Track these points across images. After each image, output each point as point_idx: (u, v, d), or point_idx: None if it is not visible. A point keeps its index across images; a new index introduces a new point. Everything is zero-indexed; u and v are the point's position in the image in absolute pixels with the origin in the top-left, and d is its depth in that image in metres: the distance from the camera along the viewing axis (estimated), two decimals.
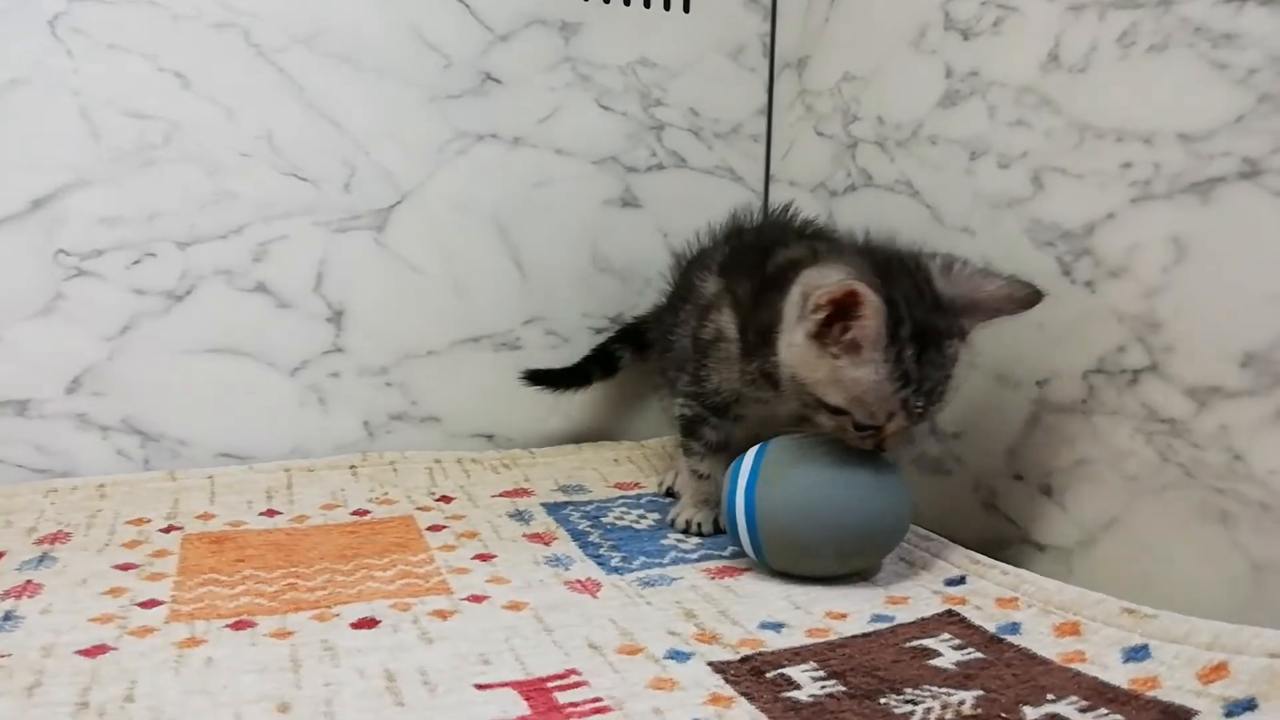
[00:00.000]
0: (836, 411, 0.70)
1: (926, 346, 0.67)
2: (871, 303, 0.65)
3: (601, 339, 1.12)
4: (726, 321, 0.81)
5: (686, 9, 1.14)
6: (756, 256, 0.82)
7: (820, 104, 1.06)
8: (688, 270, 0.94)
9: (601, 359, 1.10)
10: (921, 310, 0.68)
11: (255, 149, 0.99)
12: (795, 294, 0.72)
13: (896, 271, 0.70)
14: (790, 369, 0.72)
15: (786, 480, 0.73)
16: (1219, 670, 0.54)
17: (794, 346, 0.71)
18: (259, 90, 0.99)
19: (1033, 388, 0.78)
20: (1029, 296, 0.70)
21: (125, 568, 0.74)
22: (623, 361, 1.10)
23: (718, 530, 0.85)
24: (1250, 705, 0.51)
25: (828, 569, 0.74)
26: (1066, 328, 0.75)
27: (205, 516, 0.87)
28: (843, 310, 0.67)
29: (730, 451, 0.84)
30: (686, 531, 0.86)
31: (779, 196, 1.16)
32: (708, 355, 0.83)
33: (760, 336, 0.77)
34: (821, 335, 0.69)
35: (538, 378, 1.07)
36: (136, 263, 0.96)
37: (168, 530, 0.83)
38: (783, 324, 0.73)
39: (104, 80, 0.93)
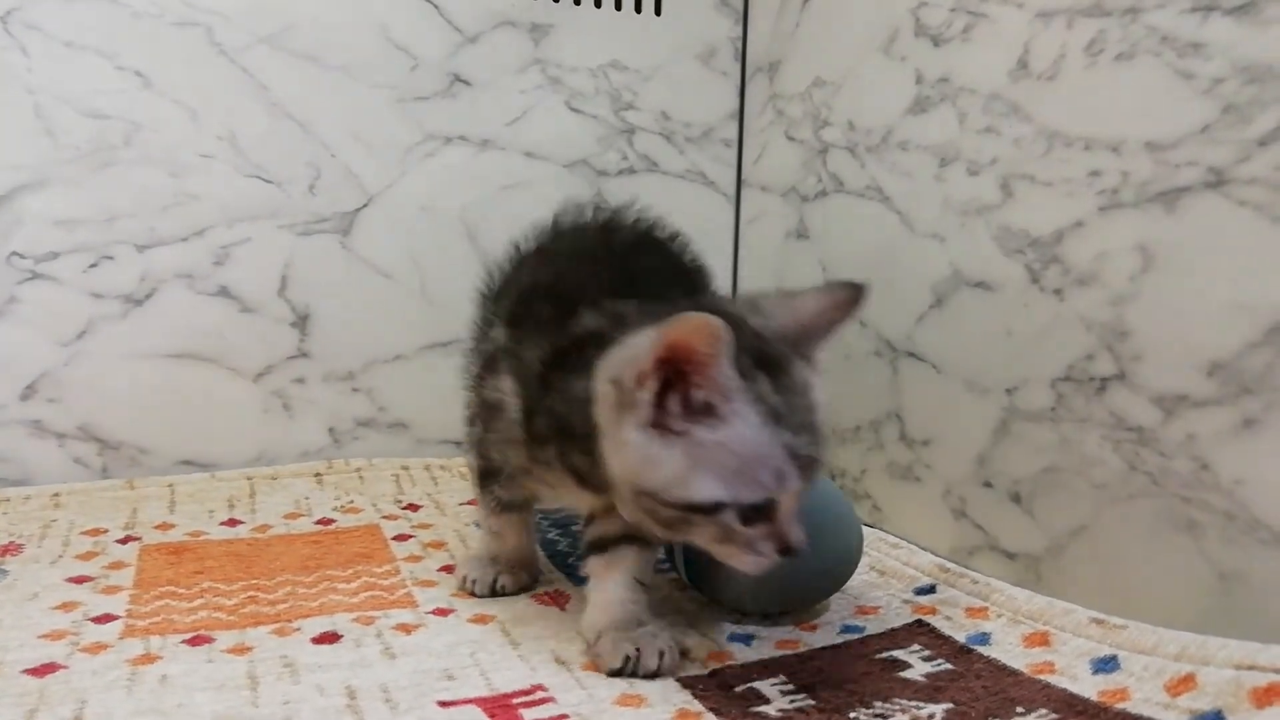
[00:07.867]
0: (712, 510, 0.53)
1: (775, 374, 0.55)
2: (712, 332, 0.50)
3: None
4: (509, 391, 0.64)
5: (658, 12, 1.13)
6: (556, 308, 0.63)
7: (791, 109, 1.05)
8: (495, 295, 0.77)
9: None
10: (749, 340, 0.55)
11: (218, 150, 0.97)
12: (603, 391, 0.55)
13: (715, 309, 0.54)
14: (632, 481, 0.55)
15: None
16: (1187, 682, 0.54)
17: (626, 448, 0.54)
18: (222, 90, 0.97)
19: (1002, 395, 0.78)
20: (850, 295, 0.59)
21: (79, 580, 0.72)
22: None
23: (495, 593, 0.72)
24: (1217, 718, 0.51)
25: (764, 609, 0.68)
26: (1035, 336, 0.75)
27: (164, 526, 0.85)
28: (677, 369, 0.52)
29: (529, 512, 0.72)
30: (462, 588, 0.72)
31: (751, 201, 1.16)
32: (490, 421, 0.67)
33: (555, 429, 0.60)
34: (660, 417, 0.53)
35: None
36: (94, 266, 0.94)
37: (125, 541, 0.81)
38: (601, 431, 0.56)
39: (61, 79, 0.91)
